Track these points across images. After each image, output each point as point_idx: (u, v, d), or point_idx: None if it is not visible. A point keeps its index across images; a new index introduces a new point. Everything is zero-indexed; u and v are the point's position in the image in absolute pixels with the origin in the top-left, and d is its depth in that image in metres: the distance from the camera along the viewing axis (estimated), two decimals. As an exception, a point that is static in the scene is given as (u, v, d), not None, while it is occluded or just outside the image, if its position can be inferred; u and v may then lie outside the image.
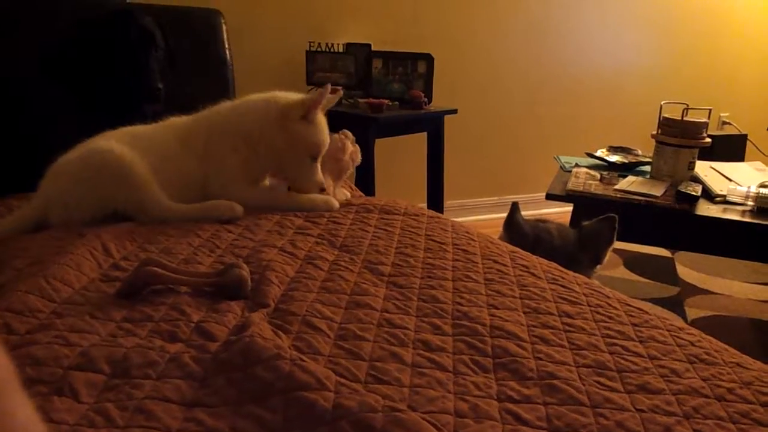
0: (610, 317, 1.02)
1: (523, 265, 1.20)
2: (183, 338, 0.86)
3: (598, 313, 1.03)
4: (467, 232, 1.39)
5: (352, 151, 1.63)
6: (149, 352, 0.81)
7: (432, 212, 1.56)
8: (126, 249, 1.19)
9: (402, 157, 3.08)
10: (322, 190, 1.51)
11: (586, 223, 1.63)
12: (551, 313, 1.01)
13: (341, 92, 1.61)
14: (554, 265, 1.23)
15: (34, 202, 1.35)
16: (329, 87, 1.46)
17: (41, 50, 1.85)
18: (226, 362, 0.79)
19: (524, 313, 1.01)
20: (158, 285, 1.00)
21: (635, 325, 0.99)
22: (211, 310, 0.95)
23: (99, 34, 1.86)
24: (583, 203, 2.08)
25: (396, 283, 1.09)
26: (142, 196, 1.32)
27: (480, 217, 3.54)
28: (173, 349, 0.83)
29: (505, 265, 1.20)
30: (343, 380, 0.76)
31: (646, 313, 1.06)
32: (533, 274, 1.17)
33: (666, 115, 2.25)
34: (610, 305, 1.07)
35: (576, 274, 1.19)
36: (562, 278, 1.16)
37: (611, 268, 2.83)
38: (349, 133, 1.65)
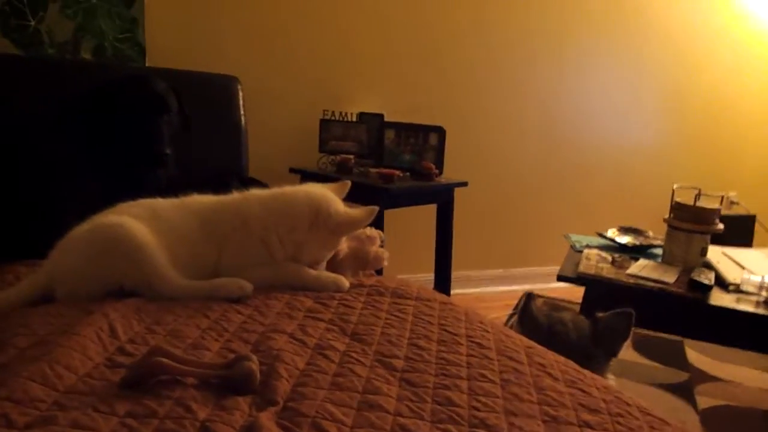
0: (631, 429, 0.98)
1: (540, 364, 1.17)
2: (188, 440, 0.83)
3: (618, 423, 0.99)
4: (481, 323, 1.36)
5: (377, 251, 1.62)
6: (153, 458, 0.77)
7: (444, 297, 1.53)
8: (133, 330, 1.16)
9: (411, 226, 3.07)
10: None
11: (600, 315, 1.59)
12: (571, 423, 0.97)
13: (349, 184, 1.63)
14: (571, 364, 1.19)
15: (41, 274, 1.33)
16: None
17: (59, 113, 1.86)
18: (233, 474, 0.75)
19: (543, 421, 0.97)
20: (164, 376, 0.97)
21: (659, 440, 0.95)
22: (217, 407, 0.91)
23: (112, 98, 1.89)
24: (595, 286, 2.05)
25: (409, 381, 1.05)
26: (151, 274, 1.29)
27: (485, 289, 3.50)
28: (178, 453, 0.79)
29: (521, 363, 1.16)
30: (356, 501, 0.71)
31: (668, 424, 1.02)
32: (550, 375, 1.13)
33: (678, 200, 2.24)
34: (630, 414, 1.03)
35: (594, 376, 1.15)
36: (581, 381, 1.12)
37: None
38: (381, 234, 1.67)
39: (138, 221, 1.33)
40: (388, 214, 2.56)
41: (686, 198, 2.22)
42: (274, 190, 1.54)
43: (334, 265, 1.59)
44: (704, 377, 2.59)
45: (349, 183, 1.61)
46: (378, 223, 2.45)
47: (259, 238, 1.44)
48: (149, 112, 1.91)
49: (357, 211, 1.51)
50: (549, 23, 3.48)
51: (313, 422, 0.89)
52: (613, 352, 1.56)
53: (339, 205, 1.51)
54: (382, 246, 1.65)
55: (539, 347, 1.27)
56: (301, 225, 1.46)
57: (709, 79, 4.01)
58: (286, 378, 1.01)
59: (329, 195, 1.52)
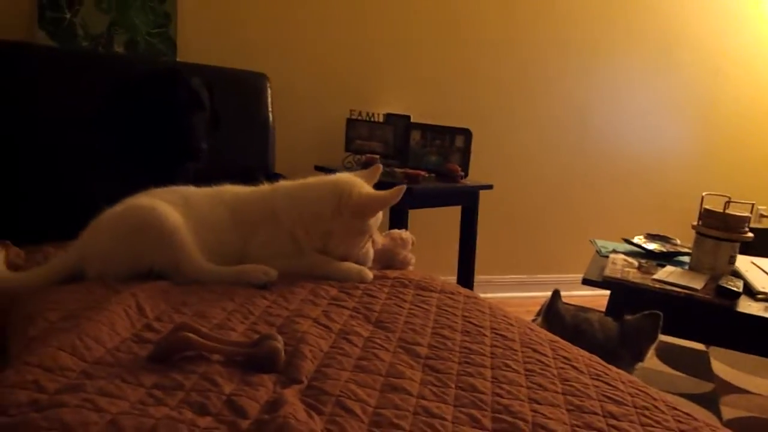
0: (657, 422, 0.97)
1: (564, 357, 1.16)
2: (213, 412, 0.83)
3: (644, 415, 0.98)
4: (505, 316, 1.35)
5: (405, 255, 1.64)
6: (179, 426, 0.78)
7: (468, 291, 1.52)
8: (160, 309, 1.17)
9: (435, 228, 3.07)
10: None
11: (628, 317, 1.57)
12: (596, 413, 0.96)
13: (381, 168, 1.61)
14: (596, 359, 1.18)
15: (72, 252, 1.35)
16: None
17: (92, 104, 1.89)
18: (258, 443, 0.75)
19: (567, 410, 0.96)
20: (191, 351, 0.97)
21: (685, 433, 0.94)
22: (242, 382, 0.92)
23: (148, 91, 1.90)
24: (621, 291, 2.02)
25: (433, 367, 1.05)
26: (179, 257, 1.31)
27: (507, 294, 3.48)
28: (203, 423, 0.80)
29: (545, 356, 1.16)
30: (379, 474, 0.71)
31: (695, 419, 1.00)
32: (575, 368, 1.12)
33: (707, 207, 2.21)
34: (656, 408, 1.01)
35: (619, 371, 1.14)
36: (606, 374, 1.11)
37: (643, 358, 2.74)
38: (414, 239, 1.68)
39: (169, 205, 1.34)
40: (413, 214, 2.56)
41: (716, 206, 2.19)
42: (302, 180, 1.54)
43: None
44: (730, 388, 2.54)
45: (380, 167, 1.59)
46: (402, 222, 2.46)
47: (288, 231, 1.44)
48: (186, 107, 1.93)
49: (383, 191, 1.48)
50: (581, 29, 3.47)
51: (338, 401, 0.89)
52: (640, 355, 1.54)
53: (363, 189, 1.49)
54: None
55: (564, 342, 1.26)
56: (324, 212, 1.45)
57: (741, 91, 3.96)
58: (311, 359, 1.02)
59: (354, 180, 1.50)
